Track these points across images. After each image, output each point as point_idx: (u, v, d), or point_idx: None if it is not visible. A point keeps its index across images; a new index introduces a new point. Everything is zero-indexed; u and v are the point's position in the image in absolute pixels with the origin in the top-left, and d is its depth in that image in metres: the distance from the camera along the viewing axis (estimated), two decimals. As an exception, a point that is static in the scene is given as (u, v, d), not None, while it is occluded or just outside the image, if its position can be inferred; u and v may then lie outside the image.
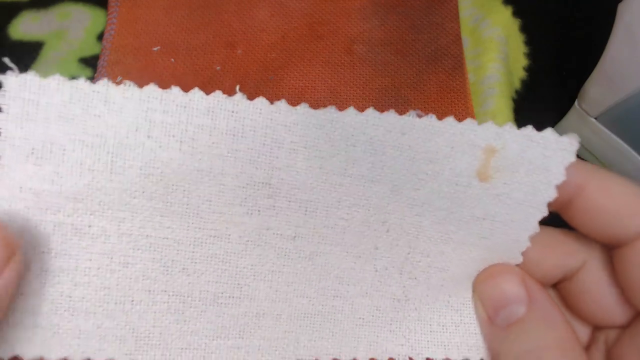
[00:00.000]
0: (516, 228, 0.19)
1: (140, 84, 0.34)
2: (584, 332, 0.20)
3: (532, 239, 0.19)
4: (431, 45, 0.31)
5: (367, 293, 0.19)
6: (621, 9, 0.23)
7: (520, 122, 0.30)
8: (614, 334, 0.19)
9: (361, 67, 0.31)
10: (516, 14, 0.33)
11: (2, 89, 0.16)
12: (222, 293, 0.18)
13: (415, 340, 0.20)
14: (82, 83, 0.16)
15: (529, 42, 0.32)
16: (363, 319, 0.20)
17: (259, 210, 0.18)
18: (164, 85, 0.32)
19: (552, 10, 0.33)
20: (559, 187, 0.18)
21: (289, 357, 0.19)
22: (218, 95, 0.17)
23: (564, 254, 0.19)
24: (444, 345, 0.20)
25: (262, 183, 0.18)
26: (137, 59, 0.31)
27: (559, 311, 0.18)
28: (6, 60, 0.19)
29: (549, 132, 0.18)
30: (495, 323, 0.19)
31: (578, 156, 0.29)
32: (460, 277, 0.20)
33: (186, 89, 0.32)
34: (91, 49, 0.33)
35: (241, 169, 0.17)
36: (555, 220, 0.19)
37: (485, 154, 0.18)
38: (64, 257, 0.17)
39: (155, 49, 0.32)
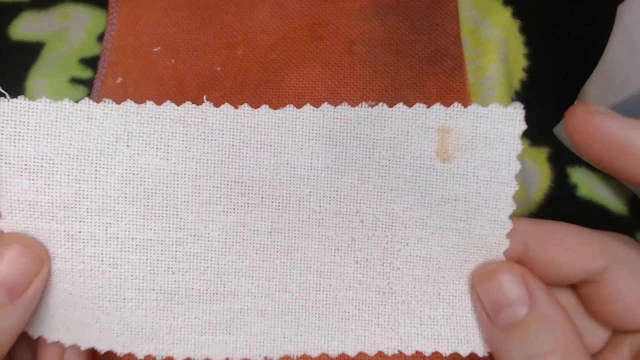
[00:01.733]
0: (491, 207, 0.19)
1: (141, 84, 0.34)
2: (602, 334, 0.20)
3: (555, 236, 0.19)
4: (431, 46, 0.31)
5: (350, 286, 0.20)
6: (621, 10, 0.23)
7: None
8: None
9: (361, 68, 0.31)
10: (516, 15, 0.33)
11: None
12: (206, 290, 0.19)
13: (405, 333, 0.20)
14: (66, 103, 0.18)
15: (528, 43, 0.33)
16: (348, 312, 0.20)
17: (234, 208, 0.19)
18: (165, 85, 0.32)
19: (552, 11, 0.33)
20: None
21: (276, 353, 0.20)
22: (187, 105, 0.19)
23: (586, 255, 0.19)
24: (434, 339, 0.20)
25: (234, 182, 0.19)
26: (137, 59, 0.31)
27: (562, 312, 0.18)
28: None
29: (494, 105, 0.19)
30: (496, 324, 0.18)
31: (579, 158, 0.29)
32: (446, 266, 0.20)
33: (186, 89, 0.33)
34: (92, 49, 0.33)
35: (214, 170, 0.19)
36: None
37: (440, 134, 0.19)
38: (60, 260, 0.19)
39: (155, 49, 0.32)
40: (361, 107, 0.19)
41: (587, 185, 0.29)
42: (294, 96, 0.30)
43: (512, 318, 0.18)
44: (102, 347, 0.19)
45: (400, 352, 0.20)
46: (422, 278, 0.20)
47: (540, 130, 0.30)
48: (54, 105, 0.18)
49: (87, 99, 0.19)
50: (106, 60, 0.31)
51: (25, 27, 0.33)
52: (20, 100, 0.18)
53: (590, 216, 0.28)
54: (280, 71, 0.31)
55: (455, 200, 0.19)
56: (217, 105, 0.19)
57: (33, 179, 0.18)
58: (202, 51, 0.32)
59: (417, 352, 0.20)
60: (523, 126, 0.19)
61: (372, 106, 0.19)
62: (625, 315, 0.18)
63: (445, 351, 0.20)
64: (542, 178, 0.29)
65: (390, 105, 0.19)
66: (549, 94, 0.31)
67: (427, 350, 0.20)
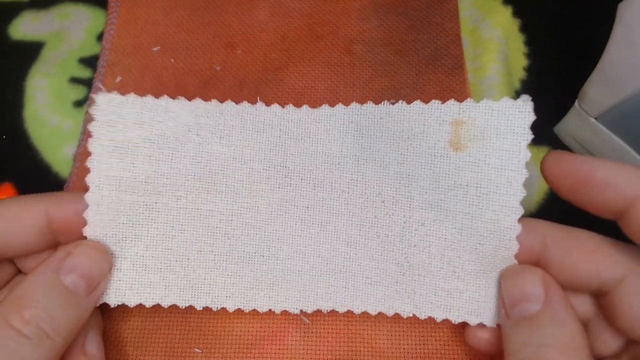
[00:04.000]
0: (502, 193, 0.21)
1: (140, 84, 0.34)
2: (617, 342, 0.20)
3: (576, 241, 0.20)
4: (431, 45, 0.31)
5: (372, 257, 0.23)
6: (621, 9, 0.23)
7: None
8: None
9: (361, 67, 0.31)
10: (516, 14, 0.33)
11: (95, 104, 0.22)
12: (255, 253, 0.23)
13: (420, 301, 0.22)
14: (149, 99, 0.22)
15: (529, 43, 0.32)
16: (371, 278, 0.23)
17: (279, 187, 0.23)
18: (164, 85, 0.32)
19: (552, 10, 0.33)
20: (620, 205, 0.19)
21: (310, 307, 0.23)
22: (245, 103, 0.22)
23: (604, 263, 0.19)
24: (446, 308, 0.22)
25: (280, 166, 0.23)
26: (136, 59, 0.31)
27: (572, 313, 0.19)
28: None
29: (504, 100, 0.20)
30: (510, 316, 0.20)
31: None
32: (461, 247, 0.22)
33: (186, 89, 0.34)
34: (91, 49, 0.33)
35: (264, 156, 0.22)
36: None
37: (453, 126, 0.21)
38: (137, 226, 0.22)
39: (155, 49, 0.32)
40: (384, 104, 0.22)
41: (587, 184, 0.29)
42: (293, 95, 0.30)
43: (525, 312, 0.19)
44: (167, 302, 0.22)
45: (414, 315, 0.22)
46: (438, 256, 0.22)
47: (540, 129, 0.30)
48: (140, 100, 0.22)
49: (165, 96, 0.22)
50: (105, 60, 0.31)
51: (25, 26, 0.33)
52: (114, 94, 0.22)
53: (591, 217, 0.28)
54: (279, 70, 0.31)
55: (467, 186, 0.21)
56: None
57: (121, 159, 0.22)
58: (202, 50, 0.32)
59: (430, 318, 0.22)
60: (532, 117, 0.20)
61: (392, 104, 0.22)
62: (633, 326, 0.19)
63: (456, 319, 0.22)
64: (542, 178, 0.29)
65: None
66: (549, 93, 0.31)
67: (439, 317, 0.22)
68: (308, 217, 0.23)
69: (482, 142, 0.21)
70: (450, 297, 0.22)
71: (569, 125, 0.28)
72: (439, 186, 0.21)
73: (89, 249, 0.21)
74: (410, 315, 0.22)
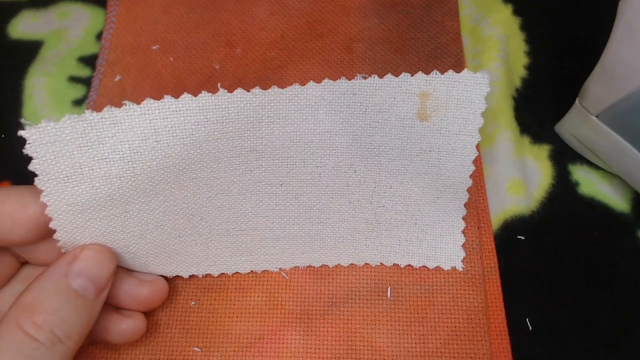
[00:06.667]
0: (459, 155, 0.23)
1: (139, 82, 0.34)
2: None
3: None
4: (431, 43, 0.31)
5: (344, 219, 0.25)
6: (622, 6, 0.23)
7: (521, 120, 0.30)
8: None
9: (361, 65, 0.31)
10: (516, 12, 0.33)
11: (27, 142, 0.19)
12: (233, 228, 0.24)
13: (386, 252, 0.25)
14: (89, 115, 0.20)
15: (529, 41, 0.32)
16: (343, 237, 0.25)
17: (250, 170, 0.23)
18: (163, 83, 0.32)
19: (553, 8, 0.33)
20: None
21: (288, 264, 0.25)
22: (204, 94, 0.21)
23: None
24: (409, 255, 0.25)
25: (251, 151, 0.22)
26: (136, 57, 0.31)
27: None
28: (22, 120, 0.28)
29: (465, 71, 0.22)
30: None
31: (580, 155, 0.29)
32: (423, 202, 0.25)
33: (185, 87, 0.33)
34: (90, 48, 0.32)
35: (232, 144, 0.22)
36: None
37: (420, 98, 0.22)
38: (112, 234, 0.22)
39: (154, 47, 0.32)
40: (357, 79, 0.22)
41: (588, 183, 0.28)
42: (293, 94, 0.30)
43: None
44: (158, 272, 0.24)
45: (381, 263, 0.25)
46: (402, 212, 0.25)
47: (541, 127, 0.30)
48: (79, 119, 0.20)
49: (109, 106, 0.20)
50: (104, 59, 0.31)
51: (24, 26, 0.33)
52: (45, 123, 0.19)
53: (592, 214, 0.28)
54: (279, 69, 0.31)
55: (430, 151, 0.23)
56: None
57: (77, 185, 0.20)
58: (201, 49, 0.31)
59: (395, 265, 0.26)
60: (488, 89, 0.22)
61: (365, 78, 0.22)
62: None
63: (416, 264, 0.25)
64: (543, 175, 0.29)
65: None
66: (550, 91, 0.31)
67: (402, 263, 0.25)
68: (282, 193, 0.24)
69: (444, 112, 0.22)
70: (412, 246, 0.25)
71: (570, 123, 0.28)
72: (406, 153, 0.23)
73: (95, 252, 0.21)
74: (378, 264, 0.25)
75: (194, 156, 0.22)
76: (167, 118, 0.20)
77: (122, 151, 0.20)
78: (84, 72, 0.32)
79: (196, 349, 0.24)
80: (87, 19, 0.34)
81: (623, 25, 0.23)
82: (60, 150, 0.20)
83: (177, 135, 0.21)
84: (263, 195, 0.24)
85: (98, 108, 0.29)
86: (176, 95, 0.21)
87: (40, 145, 0.19)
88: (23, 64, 0.32)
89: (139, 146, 0.20)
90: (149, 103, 0.20)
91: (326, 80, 0.22)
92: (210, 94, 0.20)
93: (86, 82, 0.31)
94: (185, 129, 0.21)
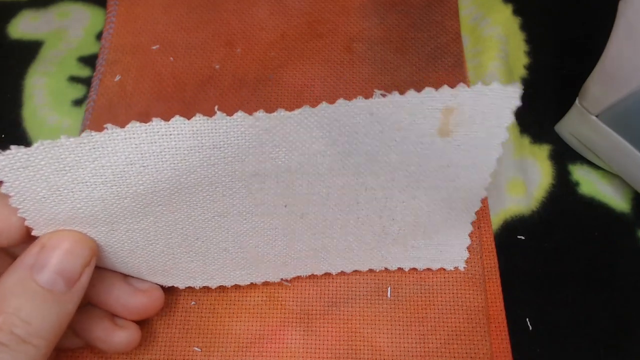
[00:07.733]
0: (478, 169, 0.22)
1: (139, 82, 0.34)
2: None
3: None
4: (431, 43, 0.31)
5: (351, 232, 0.24)
6: (622, 6, 0.23)
7: (521, 120, 0.30)
8: None
9: (361, 65, 0.31)
10: (516, 12, 0.33)
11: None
12: (231, 247, 0.23)
13: (391, 258, 0.25)
14: (65, 140, 0.18)
15: (529, 41, 0.32)
16: (349, 247, 0.24)
17: (251, 193, 0.21)
18: (163, 83, 0.32)
19: (553, 8, 0.33)
20: None
21: (290, 275, 0.25)
22: (199, 118, 0.19)
23: None
24: (413, 259, 0.25)
25: (252, 174, 0.21)
26: (136, 57, 0.31)
27: None
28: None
29: (495, 84, 0.20)
30: None
31: (580, 155, 0.29)
32: (434, 213, 0.24)
33: (185, 87, 0.33)
34: (90, 48, 0.32)
35: (232, 169, 0.20)
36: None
37: (443, 114, 0.20)
38: (100, 250, 0.21)
39: (154, 47, 0.31)
40: (375, 96, 0.20)
41: (589, 182, 0.28)
42: (293, 94, 0.30)
43: None
44: (162, 283, 0.24)
45: (385, 268, 0.25)
46: (412, 223, 0.24)
47: (541, 127, 0.30)
48: (54, 145, 0.18)
49: (88, 131, 0.18)
50: (105, 59, 0.31)
51: (24, 25, 0.33)
52: (15, 150, 0.18)
53: (592, 214, 0.28)
54: (279, 69, 0.31)
55: (448, 166, 0.22)
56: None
57: (58, 205, 0.19)
58: (201, 49, 0.31)
59: (399, 268, 0.25)
60: (518, 102, 0.20)
61: (384, 95, 0.20)
62: None
63: (421, 267, 0.25)
64: (543, 175, 0.29)
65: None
66: (550, 91, 0.31)
67: (407, 267, 0.25)
68: (287, 213, 0.23)
69: (468, 127, 0.20)
70: (418, 251, 0.25)
71: (570, 123, 0.28)
72: (422, 169, 0.22)
73: (64, 240, 0.19)
74: (382, 269, 0.25)
75: (188, 181, 0.20)
76: (155, 142, 0.19)
77: (105, 175, 0.19)
78: (84, 72, 0.32)
79: (196, 349, 0.24)
80: (87, 19, 0.34)
81: (623, 25, 0.23)
82: (34, 175, 0.18)
83: (166, 161, 0.19)
84: (265, 216, 0.22)
85: (98, 108, 0.29)
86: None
87: (12, 170, 0.18)
88: (23, 64, 0.32)
89: (124, 171, 0.19)
90: (134, 127, 0.18)
91: (340, 100, 0.19)
92: (205, 117, 0.19)
93: (86, 82, 0.31)
94: (177, 154, 0.19)
